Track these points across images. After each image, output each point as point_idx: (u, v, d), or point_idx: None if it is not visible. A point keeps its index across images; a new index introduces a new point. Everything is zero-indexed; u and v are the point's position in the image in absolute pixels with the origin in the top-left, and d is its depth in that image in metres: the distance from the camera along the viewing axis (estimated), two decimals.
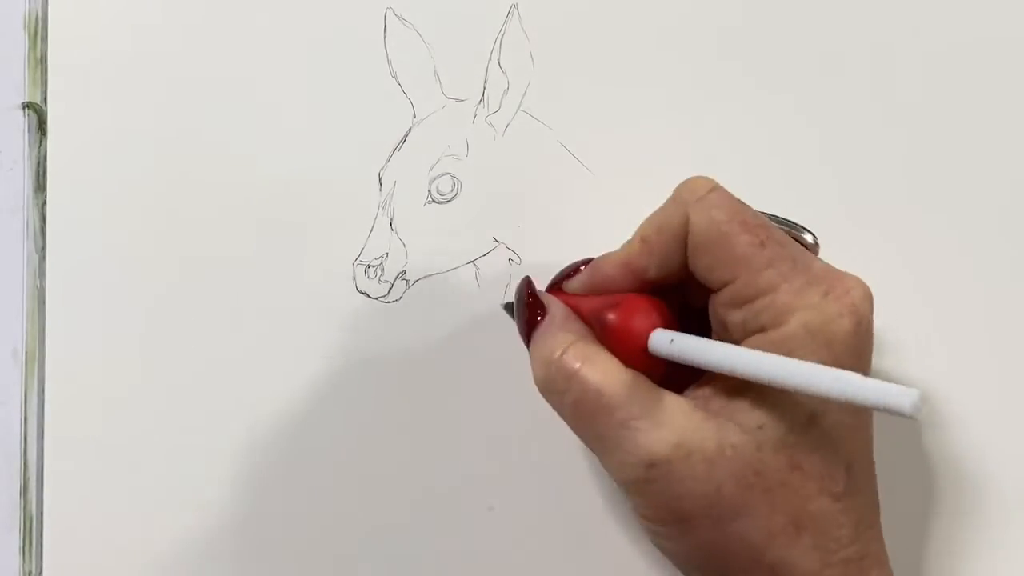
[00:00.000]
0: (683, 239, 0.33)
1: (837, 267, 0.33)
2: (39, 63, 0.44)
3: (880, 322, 0.33)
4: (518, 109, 0.43)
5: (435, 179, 0.43)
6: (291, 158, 0.43)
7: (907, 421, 0.40)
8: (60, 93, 0.44)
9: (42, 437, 0.43)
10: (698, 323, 0.35)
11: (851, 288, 0.32)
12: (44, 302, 0.43)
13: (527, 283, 0.37)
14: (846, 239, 0.43)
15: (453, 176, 0.43)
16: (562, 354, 0.33)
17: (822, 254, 0.36)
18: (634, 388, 0.32)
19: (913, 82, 0.43)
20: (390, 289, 0.43)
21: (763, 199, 0.42)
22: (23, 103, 0.44)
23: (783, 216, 0.37)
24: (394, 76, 0.43)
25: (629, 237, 0.36)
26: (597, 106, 0.43)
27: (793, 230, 0.37)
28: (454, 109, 0.43)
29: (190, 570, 0.42)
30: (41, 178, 0.44)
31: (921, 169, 0.43)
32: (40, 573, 0.43)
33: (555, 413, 0.40)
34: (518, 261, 0.43)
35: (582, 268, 0.37)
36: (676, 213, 0.34)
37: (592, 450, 0.33)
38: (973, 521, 0.42)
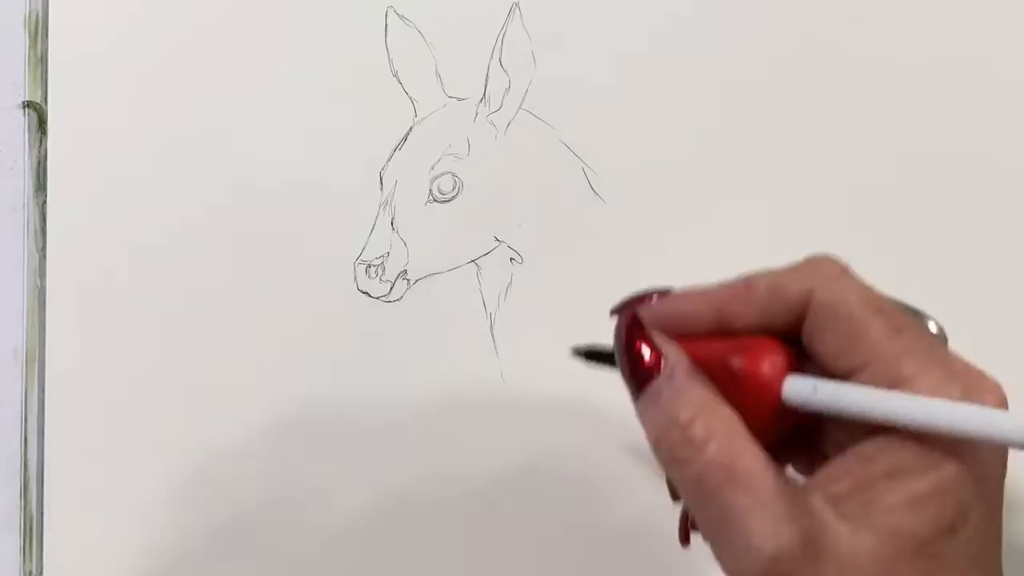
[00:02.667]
0: (796, 311, 0.30)
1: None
2: (39, 62, 0.44)
3: None
4: (519, 108, 0.43)
5: (436, 178, 0.43)
6: (292, 157, 0.43)
7: None
8: (60, 92, 0.43)
9: (42, 437, 0.43)
10: None
11: (990, 390, 0.29)
12: (44, 302, 0.43)
13: (635, 319, 0.32)
14: (849, 236, 0.43)
15: (454, 175, 0.43)
16: (690, 420, 0.29)
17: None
18: (769, 471, 0.29)
19: (914, 81, 0.43)
20: (391, 288, 0.42)
21: (764, 196, 0.42)
22: (23, 102, 0.44)
23: (906, 303, 0.33)
24: (395, 75, 0.43)
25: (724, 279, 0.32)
26: (598, 104, 0.43)
27: (916, 319, 0.33)
28: (455, 108, 0.43)
29: (190, 570, 0.42)
30: (41, 178, 0.44)
31: (924, 170, 0.43)
32: (40, 573, 0.42)
33: (554, 413, 0.39)
34: (519, 260, 0.42)
35: (655, 296, 0.32)
36: (798, 282, 0.30)
37: (706, 531, 0.30)
38: None
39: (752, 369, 0.30)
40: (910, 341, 0.29)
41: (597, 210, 0.42)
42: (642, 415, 0.31)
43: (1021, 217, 0.43)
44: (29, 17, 0.44)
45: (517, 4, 0.43)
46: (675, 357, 0.31)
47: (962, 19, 0.43)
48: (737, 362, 0.30)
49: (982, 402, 0.28)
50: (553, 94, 0.43)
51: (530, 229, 0.42)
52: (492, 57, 0.43)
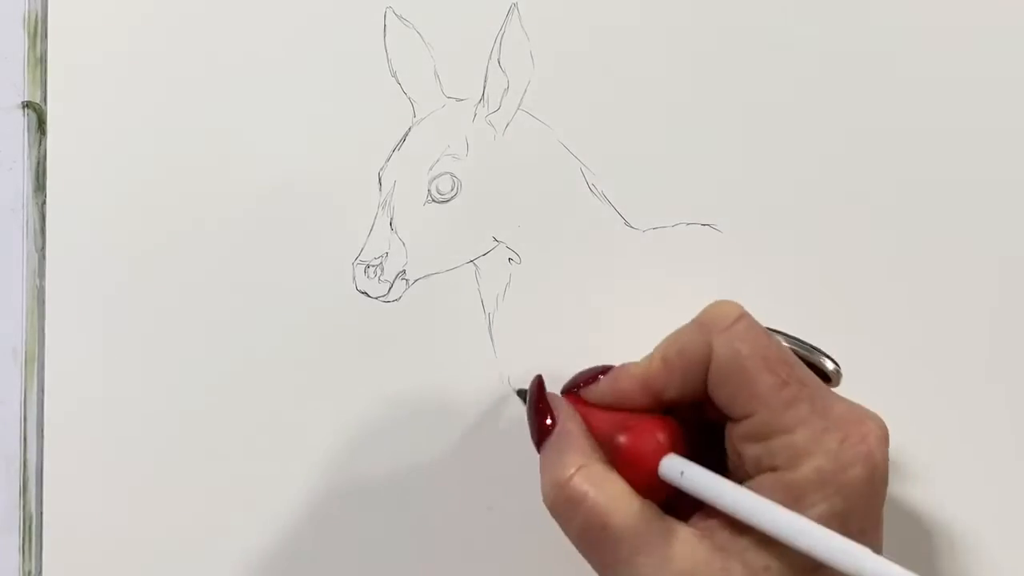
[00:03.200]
0: (705, 365, 0.33)
1: (856, 401, 0.33)
2: (39, 63, 0.44)
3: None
4: (518, 108, 0.43)
5: (435, 179, 0.43)
6: (291, 158, 0.43)
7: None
8: (60, 93, 0.44)
9: (42, 437, 0.43)
10: (718, 439, 0.34)
11: (868, 433, 0.32)
12: (44, 302, 0.43)
13: (538, 386, 0.36)
14: (843, 246, 0.43)
15: (453, 175, 0.43)
16: (570, 478, 0.33)
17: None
18: (642, 519, 0.32)
19: (919, 90, 0.43)
20: (390, 289, 0.42)
21: (762, 197, 0.42)
22: (23, 103, 0.44)
23: (805, 340, 0.36)
24: (394, 75, 0.43)
25: (649, 352, 0.35)
26: (597, 105, 0.43)
27: (813, 356, 0.36)
28: (454, 108, 0.43)
29: (190, 570, 0.42)
30: (41, 178, 0.44)
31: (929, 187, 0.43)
32: (40, 573, 0.43)
33: None
34: (518, 261, 0.43)
35: (600, 376, 0.36)
36: (699, 339, 0.33)
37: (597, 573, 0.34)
38: None
39: (633, 446, 0.34)
40: (794, 393, 0.32)
41: (595, 211, 0.42)
42: (540, 473, 0.35)
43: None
44: (28, 17, 0.44)
45: (516, 4, 0.43)
46: (566, 422, 0.35)
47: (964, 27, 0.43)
48: (622, 439, 0.34)
49: (863, 445, 0.31)
50: (552, 95, 0.43)
51: (529, 229, 0.42)
52: (491, 57, 0.43)
